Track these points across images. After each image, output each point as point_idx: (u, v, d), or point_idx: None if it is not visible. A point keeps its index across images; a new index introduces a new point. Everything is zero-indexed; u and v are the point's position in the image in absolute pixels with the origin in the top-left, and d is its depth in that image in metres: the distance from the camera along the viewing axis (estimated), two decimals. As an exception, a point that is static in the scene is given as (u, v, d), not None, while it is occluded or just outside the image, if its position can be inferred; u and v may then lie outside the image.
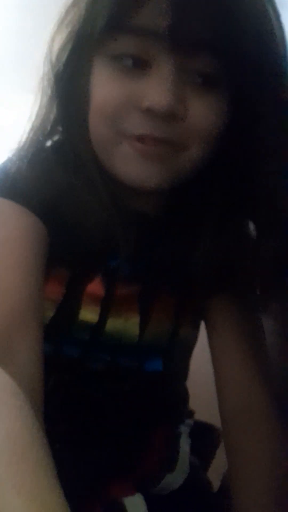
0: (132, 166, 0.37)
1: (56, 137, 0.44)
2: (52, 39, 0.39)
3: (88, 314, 0.42)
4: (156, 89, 0.34)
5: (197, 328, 0.49)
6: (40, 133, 0.42)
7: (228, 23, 0.33)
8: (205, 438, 0.54)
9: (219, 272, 0.43)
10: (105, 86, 0.37)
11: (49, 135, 0.43)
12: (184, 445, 0.51)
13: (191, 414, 0.58)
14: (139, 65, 0.35)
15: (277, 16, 0.38)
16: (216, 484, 0.52)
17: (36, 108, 0.42)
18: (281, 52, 0.37)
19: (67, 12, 0.38)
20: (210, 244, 0.42)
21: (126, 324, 0.43)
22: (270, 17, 0.36)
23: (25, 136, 0.42)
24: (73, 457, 0.44)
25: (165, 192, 0.42)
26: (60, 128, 0.43)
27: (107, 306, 0.42)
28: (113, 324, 0.42)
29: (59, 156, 0.41)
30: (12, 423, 0.24)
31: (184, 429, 0.54)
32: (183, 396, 0.57)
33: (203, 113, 0.36)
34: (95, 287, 0.42)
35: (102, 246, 0.39)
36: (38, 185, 0.40)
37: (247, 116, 0.38)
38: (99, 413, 0.47)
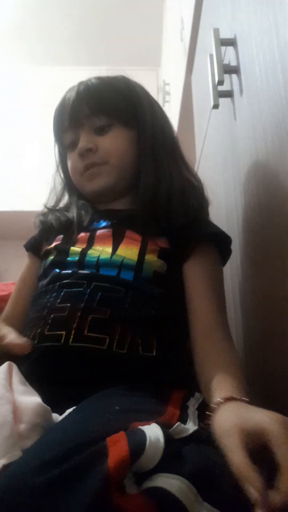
0: (87, 184, 0.81)
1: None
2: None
3: (79, 246, 0.74)
4: (79, 144, 0.79)
5: (164, 260, 0.72)
6: (53, 202, 0.89)
7: (100, 107, 0.79)
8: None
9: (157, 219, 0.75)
10: (69, 162, 0.84)
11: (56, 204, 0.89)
12: (192, 415, 0.52)
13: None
14: (75, 145, 0.81)
15: (137, 93, 0.84)
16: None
17: (53, 194, 0.91)
18: (137, 108, 0.82)
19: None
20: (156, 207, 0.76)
21: (103, 249, 0.72)
22: (129, 91, 0.82)
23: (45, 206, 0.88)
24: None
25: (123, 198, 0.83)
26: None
27: (90, 241, 0.74)
28: (95, 248, 0.72)
29: (54, 210, 0.87)
30: None
31: (193, 402, 0.56)
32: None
33: (106, 144, 0.79)
34: (83, 236, 0.76)
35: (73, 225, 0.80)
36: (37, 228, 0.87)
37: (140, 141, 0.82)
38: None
